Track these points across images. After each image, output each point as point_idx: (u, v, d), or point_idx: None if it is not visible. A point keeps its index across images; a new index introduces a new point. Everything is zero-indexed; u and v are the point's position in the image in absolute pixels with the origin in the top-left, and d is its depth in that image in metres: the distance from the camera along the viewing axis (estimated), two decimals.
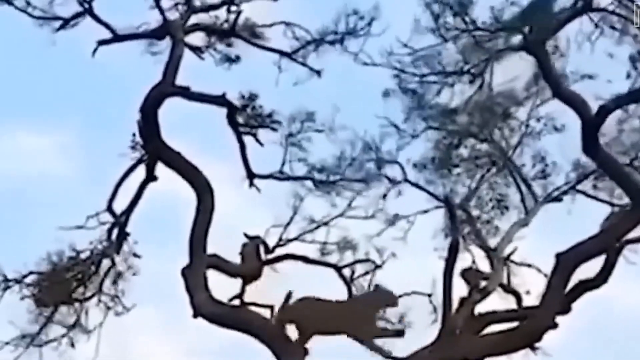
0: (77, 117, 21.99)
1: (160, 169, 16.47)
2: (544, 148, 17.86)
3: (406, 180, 17.96)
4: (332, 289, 17.41)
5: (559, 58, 16.11)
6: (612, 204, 17.02)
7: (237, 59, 17.90)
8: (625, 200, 16.17)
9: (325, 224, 17.98)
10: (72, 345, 17.17)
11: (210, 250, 15.76)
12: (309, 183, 18.00)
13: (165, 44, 16.97)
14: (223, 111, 16.64)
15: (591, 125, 14.73)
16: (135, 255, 17.31)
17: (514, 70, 16.83)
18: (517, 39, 15.95)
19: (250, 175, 17.47)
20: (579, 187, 17.70)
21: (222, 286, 15.83)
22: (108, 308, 17.24)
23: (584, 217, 16.66)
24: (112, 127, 17.65)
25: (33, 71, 20.16)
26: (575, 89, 15.59)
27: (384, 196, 18.04)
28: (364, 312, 15.72)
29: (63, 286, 17.04)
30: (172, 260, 15.86)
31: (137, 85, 16.07)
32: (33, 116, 21.74)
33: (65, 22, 17.07)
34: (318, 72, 17.70)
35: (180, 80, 16.10)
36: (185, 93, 15.99)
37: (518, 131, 17.84)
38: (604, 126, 15.01)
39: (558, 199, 17.57)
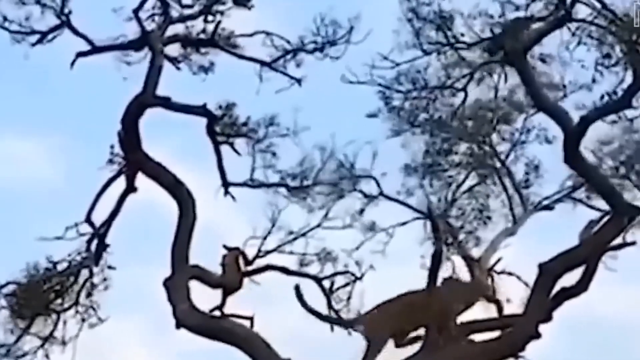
0: (64, 122, 22.02)
1: (141, 179, 16.41)
2: (535, 156, 18.15)
3: (382, 194, 18.07)
4: (311, 300, 17.52)
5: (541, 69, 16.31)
6: (606, 212, 17.12)
7: (212, 65, 17.90)
8: None
9: (304, 235, 18.02)
10: (47, 357, 17.05)
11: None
12: (283, 190, 18.07)
13: (142, 54, 17.00)
14: (198, 120, 16.68)
15: (573, 135, 14.85)
16: (109, 267, 17.23)
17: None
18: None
19: (225, 184, 17.46)
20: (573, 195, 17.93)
21: (204, 297, 15.85)
22: (83, 320, 17.13)
23: (572, 225, 16.78)
24: (101, 133, 17.55)
25: (19, 76, 20.06)
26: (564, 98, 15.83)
27: (361, 211, 18.14)
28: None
29: (40, 297, 16.89)
30: (155, 271, 15.82)
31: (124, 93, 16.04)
32: (19, 120, 21.74)
33: (43, 36, 16.93)
34: (298, 81, 17.70)
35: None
36: (166, 104, 15.96)
37: (510, 139, 18.03)
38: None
39: (549, 207, 17.72)
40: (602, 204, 16.39)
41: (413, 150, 18.00)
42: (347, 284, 17.74)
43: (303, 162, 17.99)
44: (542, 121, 17.60)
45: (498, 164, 17.99)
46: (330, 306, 17.69)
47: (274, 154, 17.73)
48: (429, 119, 17.61)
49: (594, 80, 15.62)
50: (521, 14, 15.59)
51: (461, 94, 17.39)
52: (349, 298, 17.68)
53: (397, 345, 15.70)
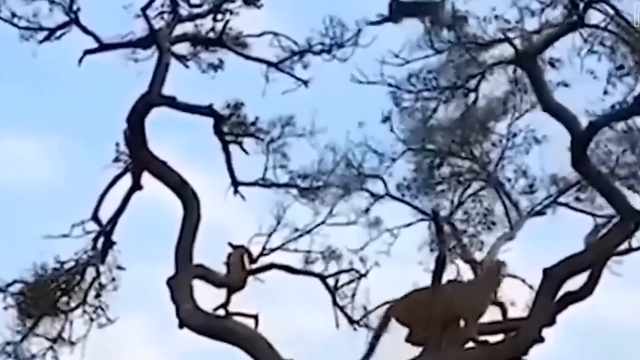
0: (64, 122, 22.06)
1: (147, 176, 16.40)
2: (525, 162, 18.13)
3: (388, 194, 18.08)
4: (316, 298, 17.60)
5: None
6: (594, 215, 17.12)
7: (221, 62, 17.90)
8: (606, 211, 16.41)
9: (309, 232, 18.06)
10: (56, 359, 17.15)
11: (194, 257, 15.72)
12: (293, 190, 18.11)
13: (150, 52, 16.98)
14: (206, 119, 16.68)
15: (581, 140, 14.81)
16: (119, 267, 17.32)
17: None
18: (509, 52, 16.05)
19: (235, 183, 17.49)
20: (561, 199, 17.86)
21: (207, 295, 15.86)
22: (92, 320, 17.22)
23: (570, 228, 16.79)
24: (101, 132, 17.63)
25: (19, 76, 20.10)
26: (562, 101, 15.74)
27: (367, 210, 18.16)
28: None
29: (47, 296, 16.98)
30: (160, 269, 15.85)
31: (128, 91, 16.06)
32: (19, 120, 21.75)
33: (51, 32, 16.95)
34: (305, 82, 17.70)
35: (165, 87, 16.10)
36: (172, 103, 15.94)
37: (499, 145, 18.00)
38: None
39: (541, 213, 17.70)
40: (589, 207, 16.44)
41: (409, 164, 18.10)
42: (351, 281, 17.85)
43: (315, 163, 18.13)
44: (530, 123, 17.70)
45: (489, 172, 17.96)
46: (335, 303, 17.78)
47: (284, 155, 17.79)
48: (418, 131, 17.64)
49: (605, 92, 15.62)
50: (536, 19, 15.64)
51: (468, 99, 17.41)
52: (353, 295, 17.79)
53: (408, 340, 15.60)
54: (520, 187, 18.08)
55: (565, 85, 16.42)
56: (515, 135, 18.02)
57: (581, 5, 15.10)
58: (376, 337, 15.51)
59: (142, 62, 17.07)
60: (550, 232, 18.06)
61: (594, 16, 15.30)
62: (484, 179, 17.96)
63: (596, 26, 15.40)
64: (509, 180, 17.99)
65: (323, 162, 18.15)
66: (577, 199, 17.87)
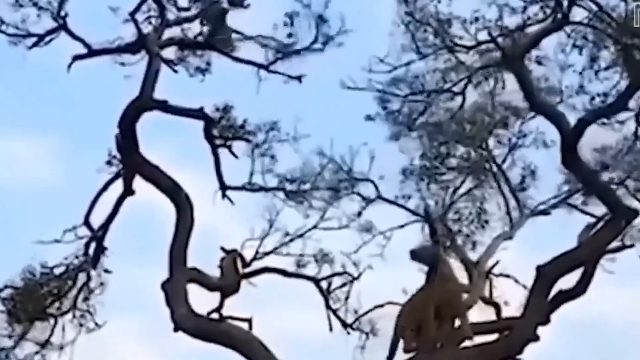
0: (64, 123, 22.08)
1: (138, 181, 16.38)
2: (532, 161, 18.16)
3: (380, 197, 18.07)
4: (309, 301, 17.59)
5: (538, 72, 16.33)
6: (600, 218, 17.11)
7: (208, 65, 17.91)
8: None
9: (301, 236, 18.05)
10: None
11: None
12: (280, 194, 18.10)
13: (139, 56, 16.97)
14: (196, 122, 16.66)
15: (570, 138, 14.84)
16: (106, 270, 17.33)
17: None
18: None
19: (223, 187, 17.47)
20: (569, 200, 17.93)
21: (201, 299, 15.85)
22: (80, 325, 17.22)
23: (570, 229, 16.79)
24: (100, 134, 17.59)
25: (19, 77, 20.09)
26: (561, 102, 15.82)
27: (359, 214, 18.16)
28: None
29: (38, 301, 16.96)
30: (154, 272, 15.83)
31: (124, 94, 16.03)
32: (19, 121, 21.73)
33: (40, 39, 16.91)
34: (299, 78, 17.69)
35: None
36: (163, 107, 15.92)
37: (507, 143, 18.02)
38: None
39: (546, 212, 17.69)
40: (598, 210, 16.42)
41: (410, 154, 18.05)
42: (344, 284, 17.86)
43: (302, 167, 18.13)
44: (540, 125, 17.67)
45: (495, 168, 17.95)
46: (328, 306, 17.78)
47: (272, 157, 17.78)
48: (426, 123, 17.60)
49: (589, 81, 15.68)
50: (518, 17, 15.64)
51: (459, 98, 17.42)
52: (346, 298, 17.81)
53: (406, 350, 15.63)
54: (524, 185, 18.09)
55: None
56: (525, 135, 18.06)
57: (565, 3, 15.12)
58: (393, 345, 15.56)
59: (131, 66, 17.06)
60: (550, 233, 18.08)
61: (577, 13, 15.37)
62: (491, 171, 17.95)
63: (581, 23, 15.42)
64: (508, 177, 17.97)
65: (311, 166, 18.20)
66: (584, 203, 17.86)
